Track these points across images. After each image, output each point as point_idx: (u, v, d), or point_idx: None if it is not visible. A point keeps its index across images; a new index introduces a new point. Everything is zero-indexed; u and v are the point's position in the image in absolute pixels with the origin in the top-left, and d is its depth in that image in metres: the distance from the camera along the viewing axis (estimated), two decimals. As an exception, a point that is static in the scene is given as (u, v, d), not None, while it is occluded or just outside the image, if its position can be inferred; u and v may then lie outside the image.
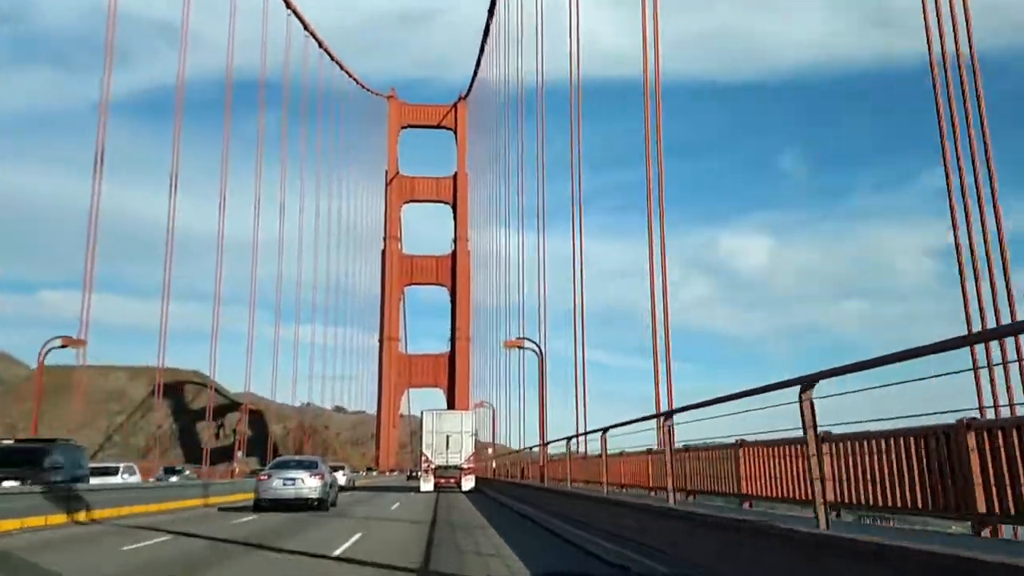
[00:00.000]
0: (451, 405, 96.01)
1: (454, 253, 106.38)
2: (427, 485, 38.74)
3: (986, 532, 6.41)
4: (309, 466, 22.46)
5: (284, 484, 21.52)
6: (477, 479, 41.51)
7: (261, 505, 21.53)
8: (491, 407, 63.50)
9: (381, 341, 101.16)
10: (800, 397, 6.11)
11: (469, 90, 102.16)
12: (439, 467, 39.22)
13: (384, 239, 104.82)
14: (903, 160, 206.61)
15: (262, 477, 22.28)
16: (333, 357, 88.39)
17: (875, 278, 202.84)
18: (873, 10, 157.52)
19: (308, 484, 21.62)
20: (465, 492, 37.68)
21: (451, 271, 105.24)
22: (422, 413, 42.44)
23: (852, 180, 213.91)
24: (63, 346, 33.89)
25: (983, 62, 16.92)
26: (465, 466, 39.61)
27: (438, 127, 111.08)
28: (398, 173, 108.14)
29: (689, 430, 10.34)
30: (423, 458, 39.83)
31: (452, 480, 39.30)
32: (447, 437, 39.49)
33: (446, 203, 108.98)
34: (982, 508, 6.32)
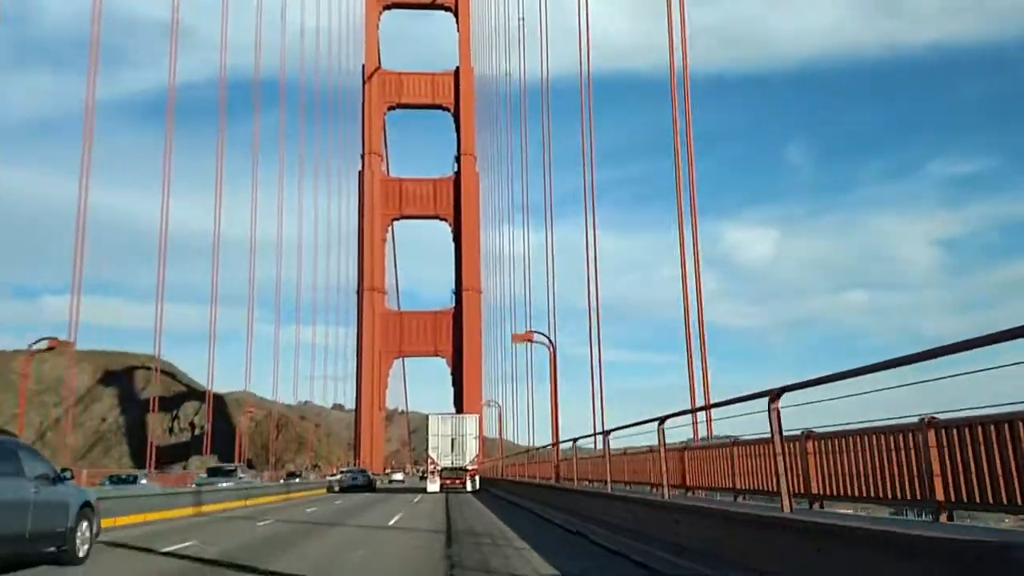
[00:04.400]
0: (456, 378, 73.04)
1: (457, 175, 79.08)
2: (433, 486, 41.19)
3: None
4: (363, 472, 48.81)
5: (351, 480, 45.95)
6: (482, 479, 43.88)
7: (342, 489, 45.03)
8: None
9: (360, 293, 74.35)
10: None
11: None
12: (445, 469, 41.87)
13: (362, 156, 78.13)
14: (909, 150, 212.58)
15: (339, 475, 48.74)
16: (335, 355, 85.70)
17: (880, 268, 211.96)
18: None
19: (361, 479, 46.18)
20: (471, 492, 40.12)
21: (453, 199, 77.94)
22: (428, 417, 45.31)
23: (858, 170, 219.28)
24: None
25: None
26: (470, 468, 42.21)
27: (432, 6, 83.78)
28: (379, 67, 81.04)
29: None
30: (429, 460, 42.61)
31: (458, 481, 41.70)
32: (452, 440, 42.29)
33: (445, 108, 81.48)
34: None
